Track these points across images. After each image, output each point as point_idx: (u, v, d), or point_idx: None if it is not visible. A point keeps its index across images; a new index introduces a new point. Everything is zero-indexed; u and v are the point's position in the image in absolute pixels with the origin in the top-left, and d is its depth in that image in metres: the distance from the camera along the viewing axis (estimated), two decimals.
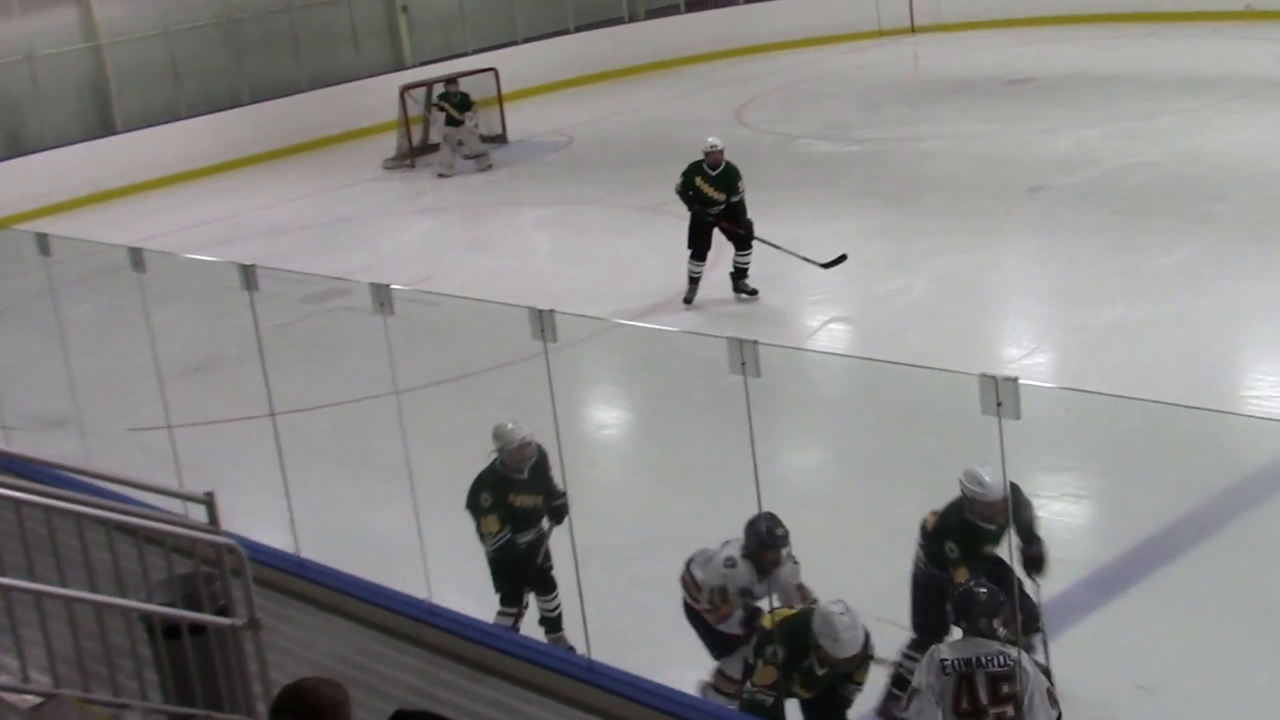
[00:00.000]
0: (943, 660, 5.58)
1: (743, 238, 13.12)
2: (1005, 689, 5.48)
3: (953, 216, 15.37)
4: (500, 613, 7.73)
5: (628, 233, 16.54)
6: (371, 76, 24.96)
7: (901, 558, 6.87)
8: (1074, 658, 6.72)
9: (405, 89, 22.11)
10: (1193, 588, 7.72)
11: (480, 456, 7.71)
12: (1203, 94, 19.51)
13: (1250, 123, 17.81)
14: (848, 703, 6.40)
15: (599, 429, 11.27)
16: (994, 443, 5.04)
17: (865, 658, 6.25)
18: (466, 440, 9.56)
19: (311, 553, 7.76)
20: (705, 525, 8.73)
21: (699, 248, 13.22)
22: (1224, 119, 18.17)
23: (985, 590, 5.76)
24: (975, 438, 5.19)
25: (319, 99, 24.28)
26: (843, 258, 13.12)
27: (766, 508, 6.31)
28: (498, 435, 7.69)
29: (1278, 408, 9.66)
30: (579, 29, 27.52)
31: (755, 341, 5.64)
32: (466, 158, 20.85)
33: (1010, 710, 5.47)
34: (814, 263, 13.09)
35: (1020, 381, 4.94)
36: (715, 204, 13.06)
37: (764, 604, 6.74)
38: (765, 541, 6.67)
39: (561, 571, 7.63)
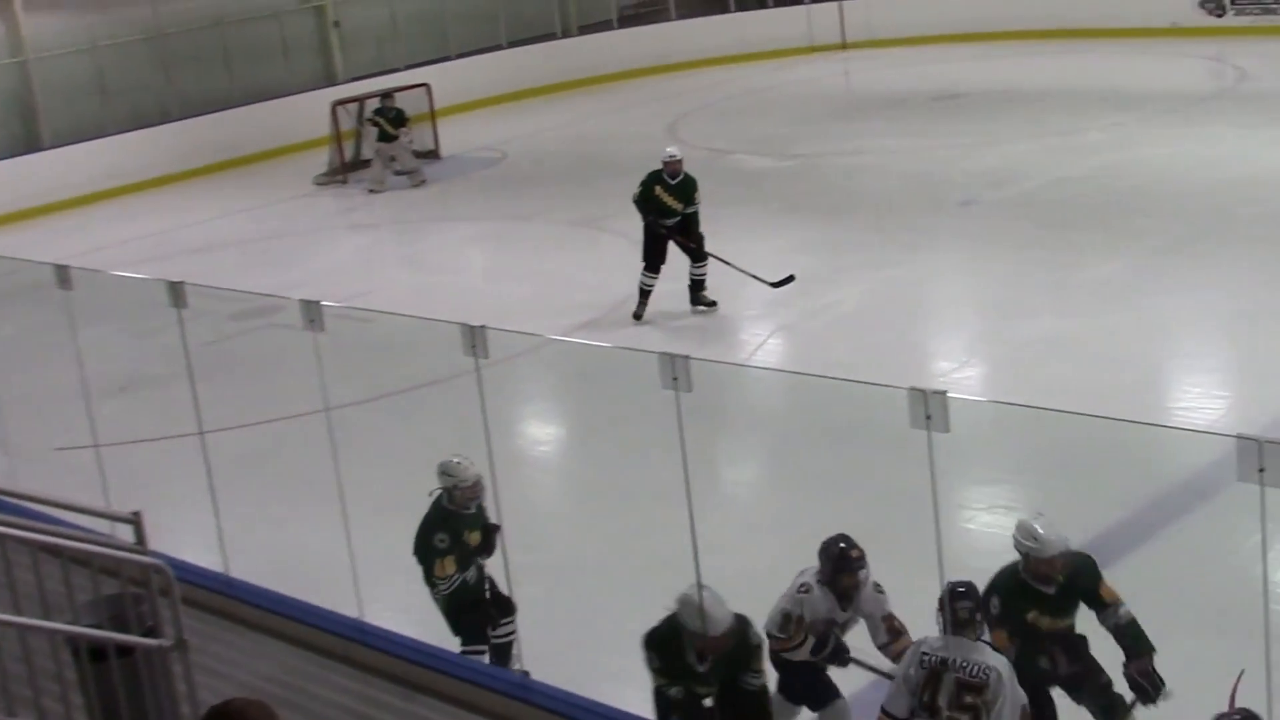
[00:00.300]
0: (924, 653, 5.62)
1: (694, 251, 13.13)
2: (969, 699, 5.46)
3: (884, 231, 15.48)
4: (463, 653, 7.37)
5: (562, 248, 16.52)
6: (303, 92, 24.73)
7: None
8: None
9: (337, 104, 21.98)
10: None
11: (410, 473, 7.65)
12: (1130, 109, 19.77)
13: (1176, 137, 18.07)
14: (756, 695, 6.30)
15: (534, 445, 11.24)
16: (925, 455, 5.08)
17: (748, 641, 6.20)
18: (398, 458, 9.51)
19: (240, 571, 7.67)
20: (640, 542, 8.76)
21: (653, 260, 13.16)
22: (1150, 134, 18.43)
23: None
24: (907, 451, 5.22)
25: (249, 114, 24.05)
26: (791, 278, 13.13)
27: (699, 523, 6.26)
28: (448, 472, 7.36)
29: (1203, 419, 9.81)
30: (512, 44, 27.49)
31: (687, 357, 5.64)
32: (399, 174, 20.76)
33: (968, 719, 5.48)
34: (763, 281, 13.10)
35: (949, 394, 4.98)
36: (672, 214, 13.02)
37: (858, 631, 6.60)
38: (839, 565, 6.44)
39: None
